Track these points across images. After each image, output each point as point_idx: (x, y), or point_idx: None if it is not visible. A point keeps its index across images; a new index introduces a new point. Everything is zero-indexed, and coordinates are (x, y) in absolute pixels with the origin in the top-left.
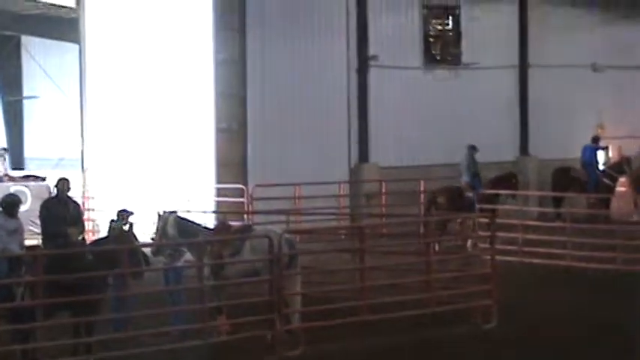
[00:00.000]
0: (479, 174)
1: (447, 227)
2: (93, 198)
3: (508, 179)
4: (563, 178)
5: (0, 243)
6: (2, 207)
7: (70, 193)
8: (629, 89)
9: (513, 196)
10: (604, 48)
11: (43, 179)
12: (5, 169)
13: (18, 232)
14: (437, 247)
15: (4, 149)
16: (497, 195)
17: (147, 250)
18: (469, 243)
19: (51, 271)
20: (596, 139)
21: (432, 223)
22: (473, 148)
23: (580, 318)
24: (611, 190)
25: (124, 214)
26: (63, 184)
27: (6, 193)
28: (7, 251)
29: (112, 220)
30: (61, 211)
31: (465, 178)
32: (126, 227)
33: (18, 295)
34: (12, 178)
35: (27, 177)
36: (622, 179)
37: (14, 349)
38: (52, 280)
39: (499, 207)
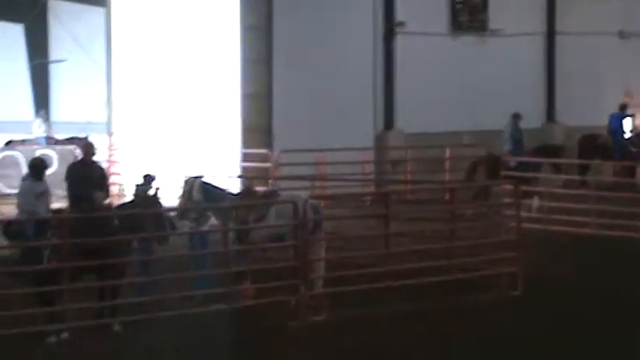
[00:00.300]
0: (522, 141)
1: (485, 195)
2: (119, 162)
3: (552, 150)
4: (590, 146)
5: (28, 206)
6: (30, 170)
7: (95, 157)
8: None
9: (558, 169)
10: (632, 15)
11: (87, 140)
12: (48, 131)
13: (45, 195)
14: (468, 213)
15: (45, 112)
16: (539, 164)
17: (173, 215)
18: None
19: (77, 234)
20: (623, 107)
21: (471, 191)
22: (517, 117)
23: (604, 286)
24: (637, 158)
25: (148, 179)
26: (88, 147)
27: (33, 156)
28: (34, 214)
29: (138, 185)
30: (87, 174)
31: (507, 147)
32: (151, 192)
33: (45, 258)
34: (57, 141)
35: (71, 139)
36: None
37: (40, 312)
38: (78, 244)
39: (536, 175)
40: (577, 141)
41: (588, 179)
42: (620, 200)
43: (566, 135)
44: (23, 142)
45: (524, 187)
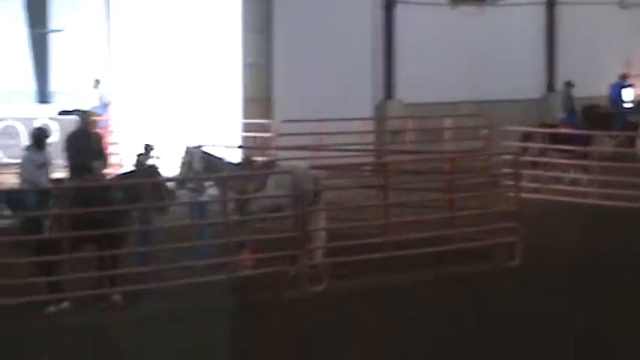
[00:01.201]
0: (575, 110)
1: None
2: (118, 132)
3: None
4: (591, 116)
5: (29, 175)
6: (31, 140)
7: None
8: None
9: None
10: None
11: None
12: (103, 99)
13: (46, 165)
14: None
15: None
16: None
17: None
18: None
19: (77, 204)
20: (624, 77)
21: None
22: (569, 84)
23: (603, 255)
24: (636, 128)
25: (148, 148)
26: (86, 117)
27: (35, 126)
28: (35, 184)
29: (138, 154)
30: (85, 144)
31: (560, 115)
32: (151, 161)
33: (46, 228)
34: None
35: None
36: None
37: (41, 281)
38: (78, 214)
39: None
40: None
41: (589, 149)
42: (620, 170)
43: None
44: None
45: (525, 158)
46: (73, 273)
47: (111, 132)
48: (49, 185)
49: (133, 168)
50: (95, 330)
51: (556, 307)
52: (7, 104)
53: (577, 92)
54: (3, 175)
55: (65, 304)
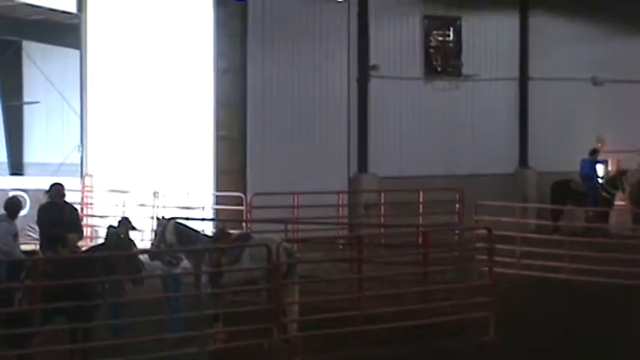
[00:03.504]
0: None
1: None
2: (92, 204)
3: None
4: (563, 191)
5: (7, 247)
6: (6, 211)
7: (66, 199)
8: (628, 103)
9: None
10: (604, 61)
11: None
12: None
13: (18, 236)
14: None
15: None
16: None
17: (144, 257)
18: None
19: (51, 276)
20: (594, 152)
21: None
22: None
23: (578, 331)
24: (610, 203)
25: (124, 222)
26: (56, 189)
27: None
28: (11, 255)
29: (111, 226)
30: (58, 216)
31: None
32: (122, 233)
33: (16, 300)
34: None
35: None
36: (621, 193)
37: (10, 355)
38: (50, 286)
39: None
40: (550, 186)
41: (561, 225)
42: (593, 245)
43: (538, 180)
44: None
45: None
46: (44, 345)
47: (86, 204)
48: (24, 257)
49: (104, 240)
50: None
51: None
52: None
53: (549, 167)
54: None
55: None
